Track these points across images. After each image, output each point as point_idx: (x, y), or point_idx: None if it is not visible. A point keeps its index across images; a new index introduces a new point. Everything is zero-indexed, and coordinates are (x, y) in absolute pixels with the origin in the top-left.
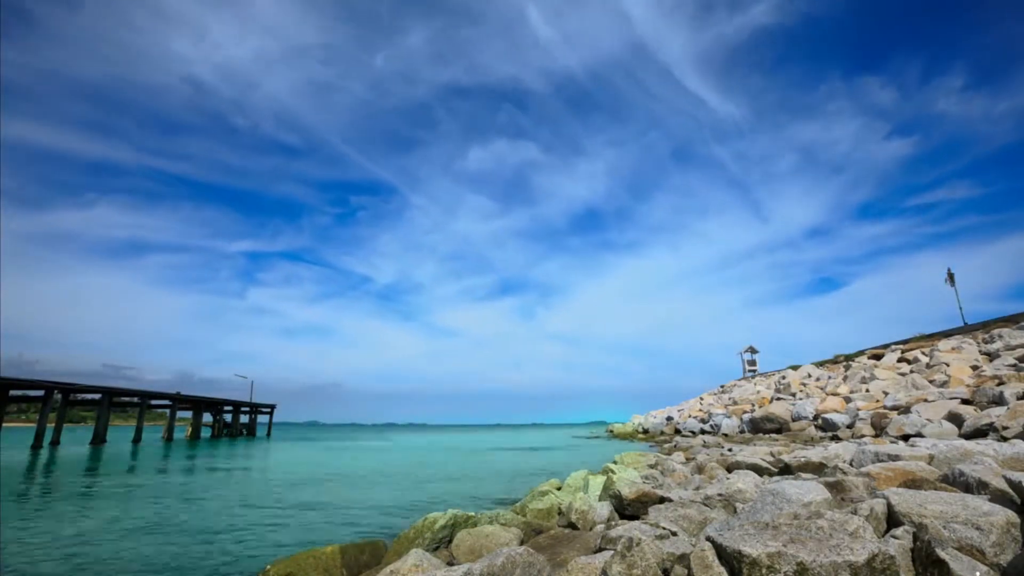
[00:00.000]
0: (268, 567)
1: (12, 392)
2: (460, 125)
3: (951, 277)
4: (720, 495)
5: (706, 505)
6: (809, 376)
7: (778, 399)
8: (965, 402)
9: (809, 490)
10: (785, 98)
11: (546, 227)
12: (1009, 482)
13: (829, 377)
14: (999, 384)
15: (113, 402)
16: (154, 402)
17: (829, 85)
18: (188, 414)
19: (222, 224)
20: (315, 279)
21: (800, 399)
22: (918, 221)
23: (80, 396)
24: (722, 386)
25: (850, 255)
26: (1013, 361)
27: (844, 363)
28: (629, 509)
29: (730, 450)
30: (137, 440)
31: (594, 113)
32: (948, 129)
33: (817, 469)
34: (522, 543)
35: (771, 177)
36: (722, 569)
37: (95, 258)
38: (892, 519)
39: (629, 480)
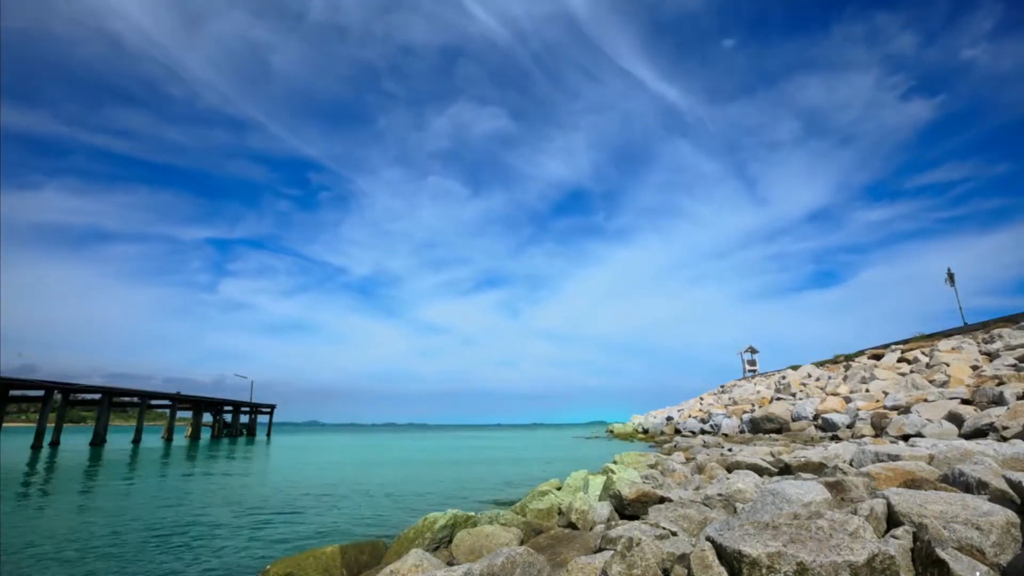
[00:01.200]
0: (268, 567)
1: (12, 392)
2: (416, 91)
3: (951, 277)
4: (720, 495)
5: (706, 505)
6: (809, 376)
7: (778, 399)
8: (965, 402)
9: (809, 490)
10: (786, 52)
11: (526, 212)
12: (1009, 482)
13: (829, 377)
14: (999, 384)
15: (113, 402)
16: (154, 402)
17: (839, 28)
18: (188, 414)
19: (180, 209)
20: (287, 270)
21: (800, 399)
22: (937, 203)
23: (80, 396)
24: (722, 386)
25: (856, 243)
26: (1013, 361)
27: (844, 363)
28: (629, 509)
29: (730, 450)
30: (137, 440)
31: (568, 74)
32: (978, 86)
33: (817, 469)
34: (522, 543)
35: (768, 149)
36: (722, 569)
37: (48, 247)
38: (892, 519)
39: (629, 480)
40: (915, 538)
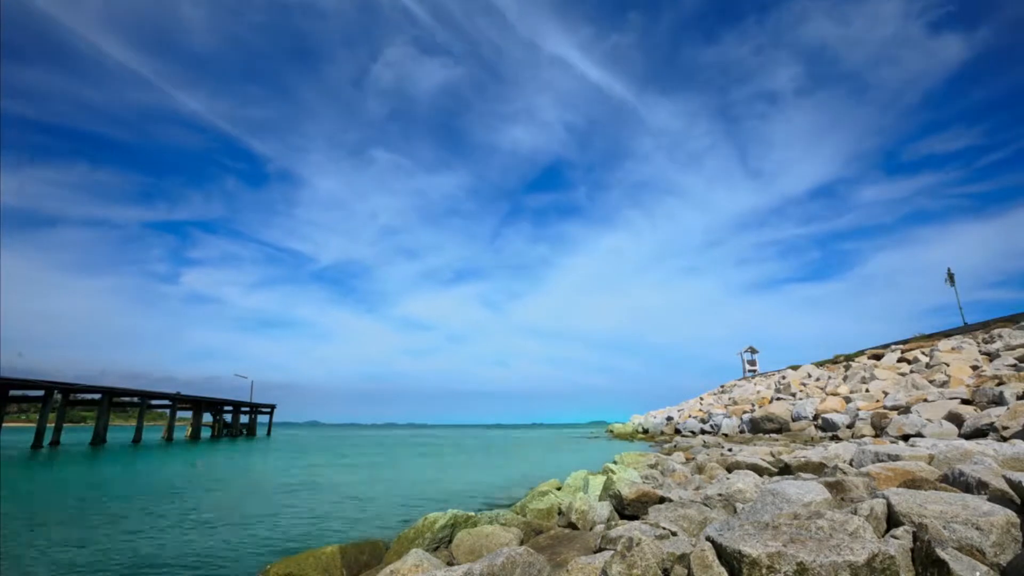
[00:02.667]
0: (269, 567)
1: (12, 392)
2: (345, 36)
3: (951, 277)
4: (720, 495)
5: (706, 505)
6: (809, 376)
7: (778, 399)
8: (965, 402)
9: (809, 490)
10: None
11: (496, 191)
12: (1009, 482)
13: (829, 377)
14: (999, 384)
15: (113, 402)
16: (154, 402)
17: None
18: (188, 414)
19: (123, 190)
20: (252, 258)
21: (800, 399)
22: (964, 175)
23: (80, 396)
24: (722, 386)
25: (866, 225)
26: (1013, 361)
27: (844, 363)
28: (629, 509)
29: (730, 450)
30: (137, 440)
31: (527, 18)
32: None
33: (817, 469)
34: (522, 543)
35: (767, 102)
36: (722, 569)
37: None
38: (892, 519)
39: (629, 480)
40: (915, 538)
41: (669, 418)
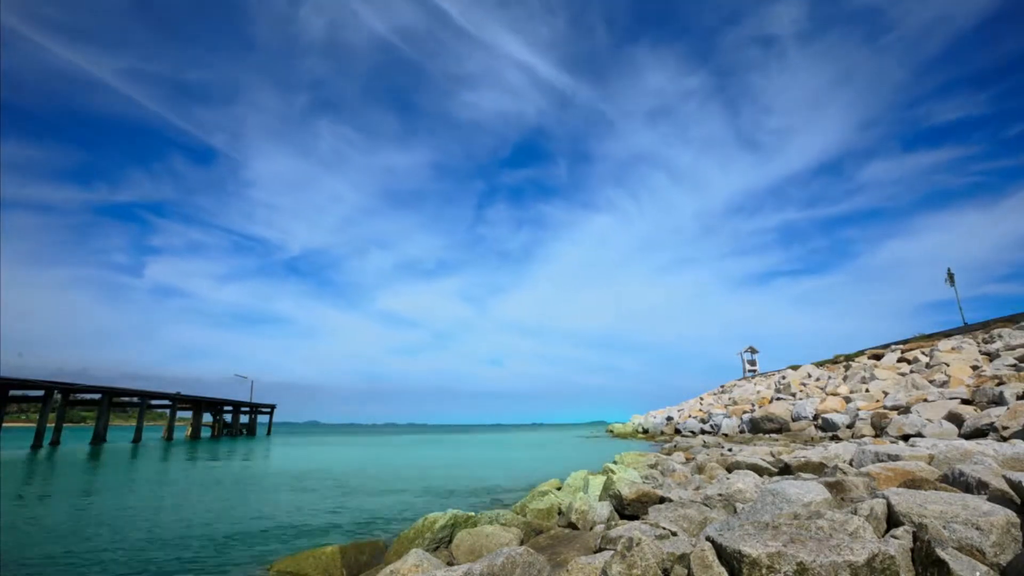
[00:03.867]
0: (269, 566)
1: (12, 392)
2: None
3: (951, 277)
4: (720, 495)
5: (706, 505)
6: (809, 376)
7: (778, 399)
8: (965, 402)
9: (809, 490)
10: None
11: (469, 168)
12: (1009, 482)
13: (829, 377)
14: (999, 384)
15: (113, 402)
16: (154, 402)
17: None
18: (188, 414)
19: (57, 167)
20: (218, 247)
21: (800, 399)
22: (997, 146)
23: (80, 396)
24: (722, 386)
25: (877, 208)
26: (1013, 361)
27: (844, 363)
28: (629, 509)
29: (730, 450)
30: (137, 440)
31: None
32: None
33: (817, 469)
34: (522, 543)
35: (762, 46)
36: (722, 569)
37: None
38: (892, 519)
39: (629, 480)
40: (915, 538)
41: (669, 418)
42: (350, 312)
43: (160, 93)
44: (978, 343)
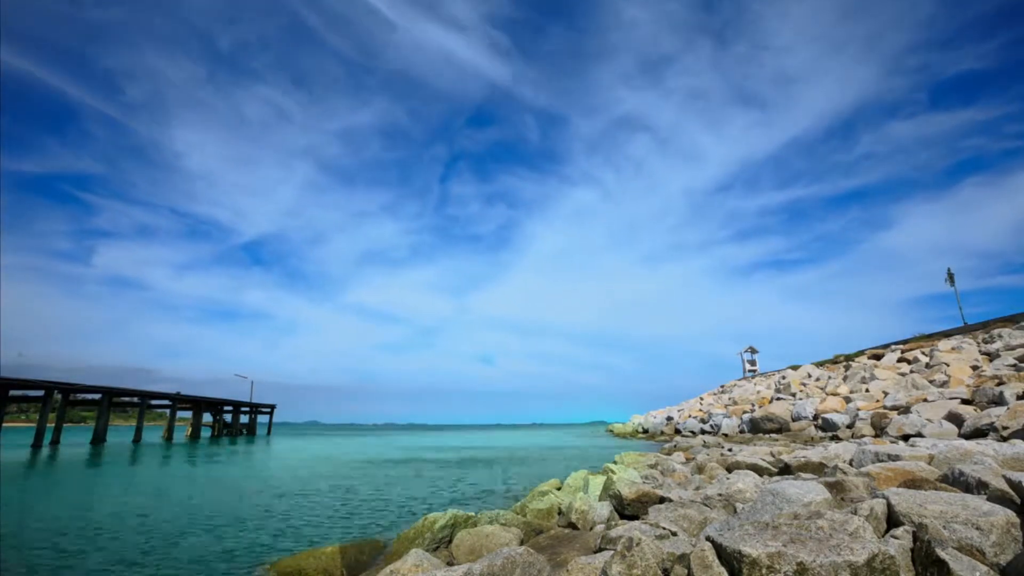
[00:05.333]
0: (268, 567)
1: (12, 392)
2: None
3: (951, 277)
4: (720, 495)
5: (706, 505)
6: (809, 376)
7: (778, 399)
8: (965, 402)
9: (809, 490)
10: None
11: (423, 125)
12: (1009, 482)
13: (829, 377)
14: (999, 384)
15: (113, 402)
16: (154, 402)
17: None
18: (188, 414)
19: None
20: (170, 231)
21: (800, 399)
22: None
23: (80, 396)
24: (722, 386)
25: (898, 180)
26: (1013, 361)
27: (844, 363)
28: (629, 509)
29: (730, 450)
30: (137, 440)
31: None
32: None
33: (817, 469)
34: (522, 543)
35: None
36: (722, 569)
37: None
38: (892, 519)
39: (629, 480)
40: (915, 538)
41: (669, 418)
42: (324, 305)
43: (52, 56)
44: (978, 343)
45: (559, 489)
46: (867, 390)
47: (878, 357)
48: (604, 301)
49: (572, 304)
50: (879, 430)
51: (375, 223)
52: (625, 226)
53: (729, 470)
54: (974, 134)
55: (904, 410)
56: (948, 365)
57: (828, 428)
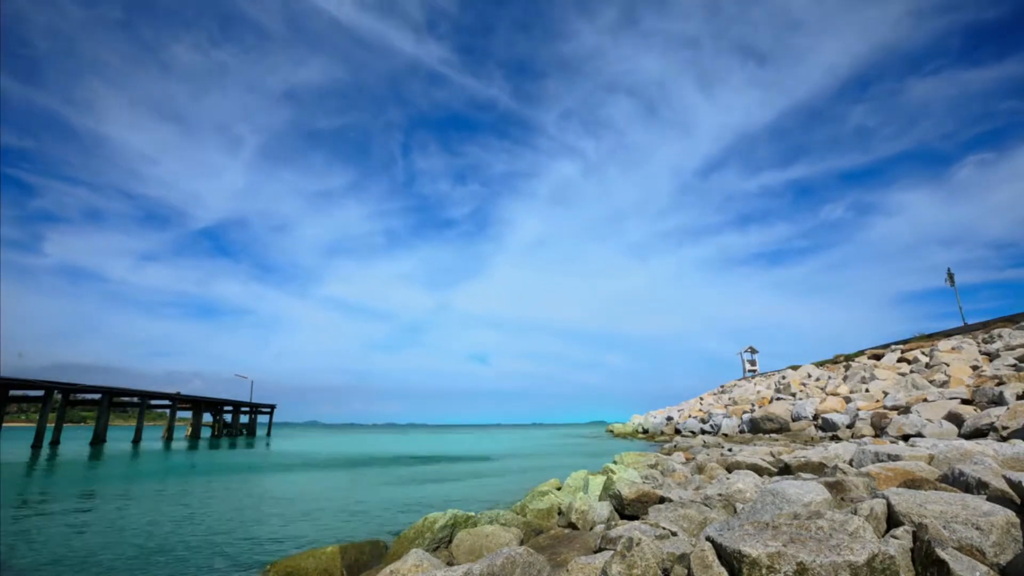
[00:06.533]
0: (268, 567)
1: (12, 392)
2: None
3: (951, 277)
4: (720, 495)
5: (706, 505)
6: (809, 376)
7: (778, 399)
8: (965, 402)
9: (809, 490)
10: None
11: (376, 83)
12: (1009, 482)
13: (829, 377)
14: (999, 384)
15: (113, 402)
16: (154, 402)
17: None
18: (188, 414)
19: None
20: (120, 214)
21: (800, 399)
22: None
23: (80, 396)
24: (722, 386)
25: (912, 151)
26: (1013, 361)
27: (844, 363)
28: (629, 509)
29: (730, 450)
30: (137, 440)
31: None
32: None
33: (817, 469)
34: (522, 543)
35: None
36: (722, 569)
37: None
38: (892, 519)
39: (629, 480)
40: (915, 538)
41: (669, 418)
42: (305, 299)
43: None
44: (978, 343)
45: (559, 489)
46: (867, 390)
47: (878, 357)
48: (593, 296)
49: (561, 300)
50: (879, 430)
51: (340, 206)
52: (605, 218)
53: (729, 470)
54: (1011, 95)
55: (904, 410)
56: (948, 365)
57: (828, 428)
